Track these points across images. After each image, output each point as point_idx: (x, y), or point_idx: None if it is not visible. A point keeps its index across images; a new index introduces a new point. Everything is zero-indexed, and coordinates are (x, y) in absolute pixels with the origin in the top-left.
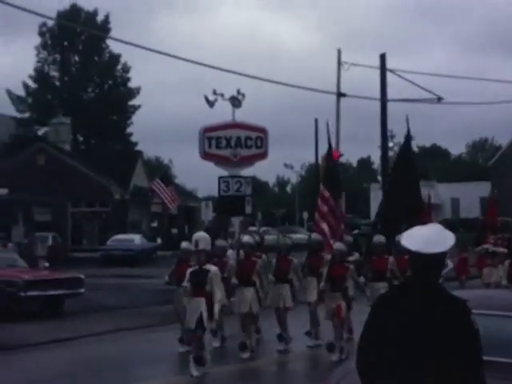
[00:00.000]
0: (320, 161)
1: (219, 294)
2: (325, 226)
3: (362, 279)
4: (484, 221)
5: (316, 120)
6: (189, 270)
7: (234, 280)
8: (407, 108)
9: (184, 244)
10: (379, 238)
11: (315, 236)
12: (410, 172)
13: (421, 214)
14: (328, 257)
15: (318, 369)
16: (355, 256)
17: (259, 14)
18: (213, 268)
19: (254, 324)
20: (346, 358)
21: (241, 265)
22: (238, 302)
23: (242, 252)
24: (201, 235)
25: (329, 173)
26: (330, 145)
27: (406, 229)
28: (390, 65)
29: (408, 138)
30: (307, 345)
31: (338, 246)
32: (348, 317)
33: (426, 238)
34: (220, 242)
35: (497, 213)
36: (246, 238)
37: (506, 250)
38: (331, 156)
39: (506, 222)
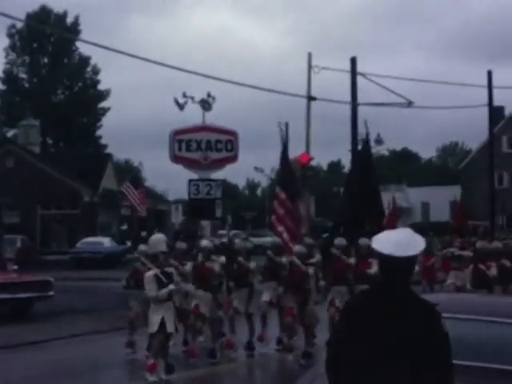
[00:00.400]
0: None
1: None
2: (282, 229)
3: (322, 283)
4: (452, 224)
5: (286, 123)
6: (151, 273)
7: (191, 286)
8: (378, 112)
9: (142, 247)
10: (340, 241)
11: (275, 239)
12: (370, 175)
13: (383, 217)
14: (287, 260)
15: (283, 373)
16: (316, 258)
17: (231, 18)
18: (173, 269)
19: (217, 328)
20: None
21: (198, 269)
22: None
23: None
24: (165, 237)
25: (285, 174)
26: (284, 146)
27: (369, 232)
28: (360, 69)
29: (367, 141)
30: (275, 348)
31: (297, 248)
32: (313, 319)
33: (398, 241)
34: (180, 245)
35: (465, 216)
36: (204, 243)
37: (471, 254)
38: (286, 157)
39: (476, 226)
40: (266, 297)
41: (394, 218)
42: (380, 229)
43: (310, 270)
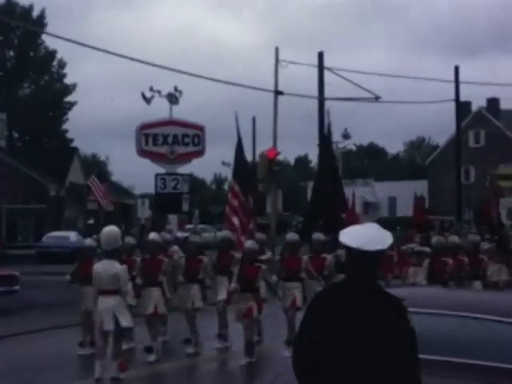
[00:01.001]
0: (258, 158)
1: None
2: (236, 221)
3: (274, 278)
4: (412, 219)
5: (254, 118)
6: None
7: (139, 280)
8: (345, 107)
9: (89, 241)
10: (292, 236)
11: (225, 233)
12: (331, 166)
13: (344, 212)
14: (238, 255)
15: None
16: (268, 255)
17: (199, 12)
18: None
19: (162, 325)
20: (255, 361)
21: (146, 264)
22: (144, 303)
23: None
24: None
25: (239, 167)
26: (239, 138)
27: (324, 226)
28: (329, 63)
29: (329, 131)
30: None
31: (249, 244)
32: (258, 319)
33: (366, 235)
34: (128, 240)
35: (424, 211)
36: (152, 236)
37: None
38: (241, 149)
39: (441, 221)
40: (222, 295)
41: (355, 213)
42: (340, 223)
43: (263, 267)
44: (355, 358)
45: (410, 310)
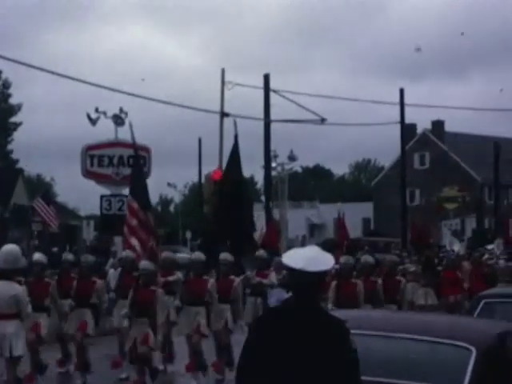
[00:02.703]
0: (203, 180)
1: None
2: (135, 242)
3: (177, 302)
4: (336, 241)
5: (200, 139)
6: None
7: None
8: (291, 129)
9: None
10: (198, 256)
11: (127, 253)
12: (236, 183)
13: (252, 232)
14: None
15: None
16: (175, 276)
17: (146, 34)
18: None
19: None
20: None
21: (31, 287)
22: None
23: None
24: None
25: (136, 182)
26: (135, 151)
27: (231, 246)
28: (275, 86)
29: (235, 143)
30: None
31: (143, 265)
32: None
33: (310, 257)
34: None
35: (347, 232)
36: (36, 256)
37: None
38: (138, 163)
39: (388, 243)
40: (116, 322)
41: (275, 234)
42: (249, 244)
43: (159, 290)
44: (297, 377)
45: (353, 332)
